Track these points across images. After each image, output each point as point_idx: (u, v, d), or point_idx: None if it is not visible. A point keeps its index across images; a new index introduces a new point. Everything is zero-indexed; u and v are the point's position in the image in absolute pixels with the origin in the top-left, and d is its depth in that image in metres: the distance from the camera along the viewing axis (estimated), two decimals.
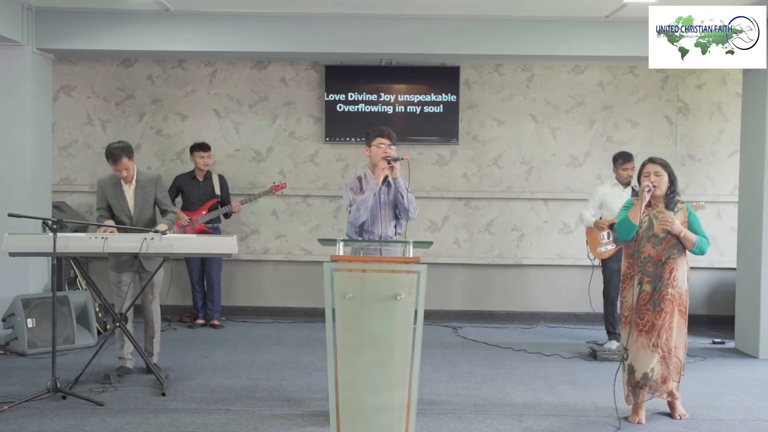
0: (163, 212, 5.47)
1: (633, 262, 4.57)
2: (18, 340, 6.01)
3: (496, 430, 4.42)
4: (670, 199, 4.58)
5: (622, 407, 4.65)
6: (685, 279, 4.58)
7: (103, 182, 5.43)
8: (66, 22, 6.64)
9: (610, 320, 6.51)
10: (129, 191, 5.37)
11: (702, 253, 4.57)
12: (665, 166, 4.59)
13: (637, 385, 4.54)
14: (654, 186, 4.50)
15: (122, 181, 5.35)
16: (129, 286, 5.34)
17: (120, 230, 5.15)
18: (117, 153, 5.24)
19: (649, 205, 4.57)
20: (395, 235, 4.70)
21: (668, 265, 4.51)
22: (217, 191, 7.27)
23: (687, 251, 4.57)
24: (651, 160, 4.62)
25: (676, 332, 4.55)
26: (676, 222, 4.49)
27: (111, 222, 5.29)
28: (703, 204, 6.18)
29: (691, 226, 4.57)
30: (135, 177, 5.38)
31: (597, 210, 6.52)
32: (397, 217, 4.71)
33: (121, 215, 5.34)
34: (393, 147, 4.64)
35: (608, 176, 7.73)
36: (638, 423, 4.55)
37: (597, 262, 6.58)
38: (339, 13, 6.66)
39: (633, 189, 6.23)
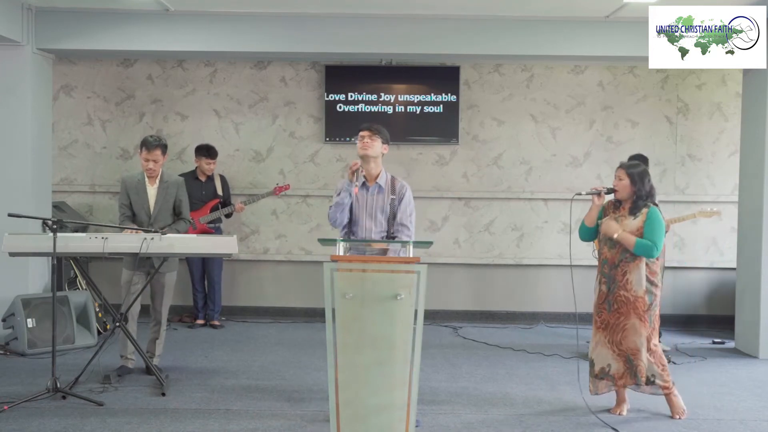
0: (178, 218, 5.49)
1: (598, 264, 4.76)
2: (18, 340, 6.00)
3: (496, 430, 4.42)
4: (635, 203, 4.58)
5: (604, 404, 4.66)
6: (642, 283, 4.54)
7: (127, 179, 5.51)
8: (66, 22, 6.63)
9: None
10: (151, 190, 5.43)
11: (647, 255, 4.51)
12: (629, 169, 4.61)
13: (596, 377, 4.71)
14: (599, 190, 4.67)
15: (147, 180, 5.41)
16: (138, 286, 5.34)
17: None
18: (153, 142, 5.36)
19: (618, 208, 4.67)
20: (381, 237, 4.52)
21: (621, 268, 4.59)
22: (220, 191, 7.27)
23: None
24: (620, 165, 4.73)
25: (633, 334, 4.54)
26: (610, 225, 4.58)
27: (130, 223, 5.35)
28: (716, 211, 6.28)
29: (644, 229, 4.53)
30: (160, 177, 5.44)
31: None
32: (388, 222, 4.55)
33: (141, 213, 5.39)
34: (375, 137, 4.49)
35: (608, 176, 7.75)
36: (619, 414, 4.67)
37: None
38: (339, 13, 6.66)
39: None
